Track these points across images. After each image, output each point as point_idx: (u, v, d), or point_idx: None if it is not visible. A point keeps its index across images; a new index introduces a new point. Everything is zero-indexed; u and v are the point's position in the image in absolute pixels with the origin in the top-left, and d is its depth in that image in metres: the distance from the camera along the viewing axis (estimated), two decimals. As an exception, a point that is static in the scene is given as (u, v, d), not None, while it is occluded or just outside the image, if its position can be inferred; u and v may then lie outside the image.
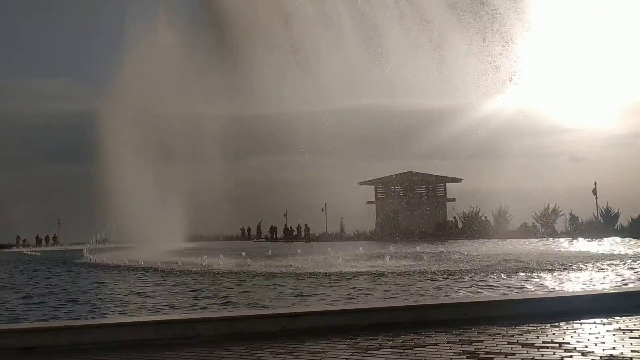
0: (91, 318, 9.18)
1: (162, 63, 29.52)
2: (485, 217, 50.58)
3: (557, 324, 6.68)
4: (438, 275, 14.72)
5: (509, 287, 11.72)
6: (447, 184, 55.72)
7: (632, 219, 50.76)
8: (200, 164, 24.25)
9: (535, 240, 39.61)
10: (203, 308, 10.01)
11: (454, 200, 54.82)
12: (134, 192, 29.57)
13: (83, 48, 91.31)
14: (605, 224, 51.40)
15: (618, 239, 37.41)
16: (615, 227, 50.65)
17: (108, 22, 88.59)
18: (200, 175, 24.43)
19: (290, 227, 57.68)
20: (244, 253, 22.21)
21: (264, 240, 55.05)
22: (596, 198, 53.67)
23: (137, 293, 12.53)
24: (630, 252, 22.76)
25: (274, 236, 57.55)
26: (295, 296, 11.31)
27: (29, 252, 44.54)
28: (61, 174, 73.67)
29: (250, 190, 24.44)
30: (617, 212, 53.24)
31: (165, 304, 10.68)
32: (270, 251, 25.67)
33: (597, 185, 53.66)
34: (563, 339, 5.92)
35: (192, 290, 12.70)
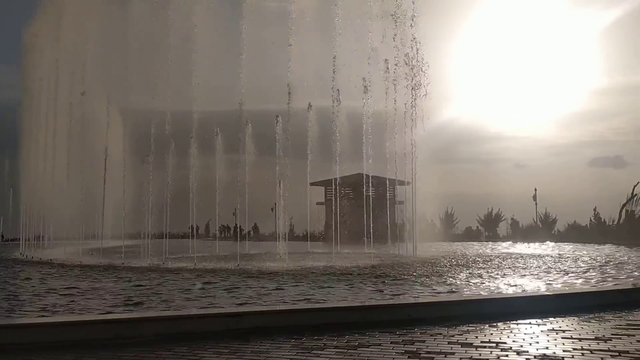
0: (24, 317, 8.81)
1: None
2: (432, 220, 51.70)
3: (495, 324, 6.92)
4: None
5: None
6: (397, 187, 56.58)
7: (568, 224, 53.17)
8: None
9: (486, 243, 40.73)
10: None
11: (402, 203, 55.70)
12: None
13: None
14: (544, 228, 53.65)
15: (551, 244, 39.11)
16: (553, 232, 52.93)
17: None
18: (147, 172, 23.60)
19: (240, 226, 57.28)
20: None
21: (212, 238, 54.41)
22: (536, 204, 55.96)
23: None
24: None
25: (224, 235, 56.98)
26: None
27: None
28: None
29: (198, 188, 23.94)
30: (555, 217, 55.58)
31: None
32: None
33: (537, 191, 56.00)
34: (500, 338, 6.13)
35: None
